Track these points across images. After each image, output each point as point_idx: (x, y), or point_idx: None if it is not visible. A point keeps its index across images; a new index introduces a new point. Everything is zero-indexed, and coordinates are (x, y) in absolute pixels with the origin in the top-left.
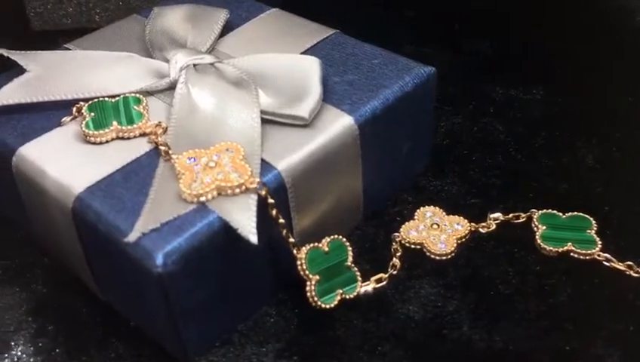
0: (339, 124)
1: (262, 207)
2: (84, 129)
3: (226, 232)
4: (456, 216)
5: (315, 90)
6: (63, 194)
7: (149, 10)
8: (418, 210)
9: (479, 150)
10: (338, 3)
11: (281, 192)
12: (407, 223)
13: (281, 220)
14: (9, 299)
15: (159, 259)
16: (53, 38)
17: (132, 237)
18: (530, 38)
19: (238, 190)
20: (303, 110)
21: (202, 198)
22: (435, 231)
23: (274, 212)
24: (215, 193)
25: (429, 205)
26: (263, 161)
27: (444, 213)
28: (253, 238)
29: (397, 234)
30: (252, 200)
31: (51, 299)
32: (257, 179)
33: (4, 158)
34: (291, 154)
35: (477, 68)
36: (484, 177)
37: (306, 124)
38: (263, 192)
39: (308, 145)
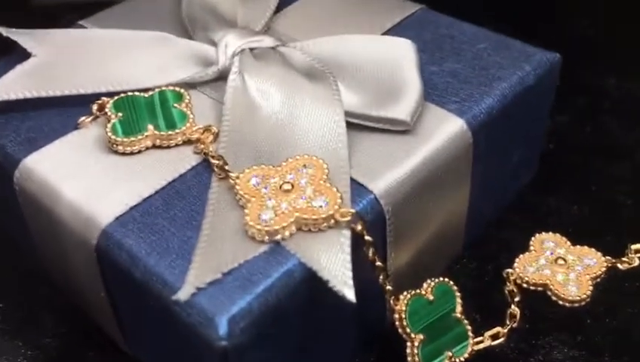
0: (447, 128)
1: (355, 245)
2: (109, 134)
3: (310, 285)
4: (585, 248)
5: (414, 84)
6: (83, 226)
7: None
8: (533, 238)
9: (597, 157)
10: None
11: (377, 224)
12: (522, 256)
13: (379, 263)
14: (10, 358)
15: (223, 327)
16: (58, 15)
17: (184, 294)
18: None
19: (325, 224)
20: (403, 111)
21: (277, 236)
22: (560, 267)
23: (371, 253)
24: (294, 228)
25: (543, 230)
26: (352, 181)
27: (568, 243)
28: (350, 293)
29: (511, 270)
30: (344, 239)
31: (64, 356)
32: (351, 210)
33: (3, 171)
34: (390, 172)
35: (577, 54)
36: (610, 193)
37: (405, 130)
38: (359, 227)
39: (410, 158)
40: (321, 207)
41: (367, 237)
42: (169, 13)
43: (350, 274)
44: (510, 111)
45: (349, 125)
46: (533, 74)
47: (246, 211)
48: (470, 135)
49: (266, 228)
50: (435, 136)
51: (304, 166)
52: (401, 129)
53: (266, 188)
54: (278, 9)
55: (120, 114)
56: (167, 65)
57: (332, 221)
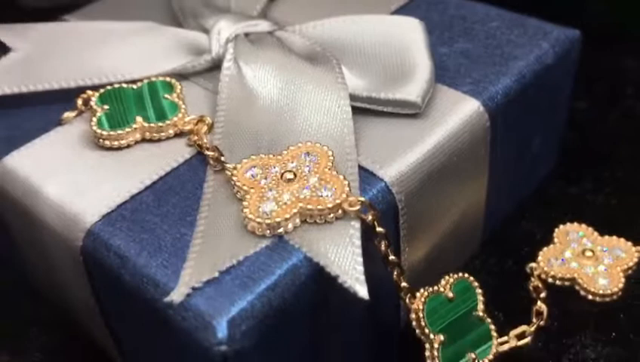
0: (462, 110)
1: (363, 238)
2: (95, 128)
3: (318, 282)
4: (614, 238)
5: (424, 64)
6: (67, 226)
7: None
8: (557, 229)
9: (623, 143)
10: None
11: (389, 215)
12: (545, 249)
13: (392, 257)
14: None
15: (222, 331)
16: (46, 18)
17: (178, 294)
18: None
19: (332, 215)
20: (412, 93)
21: (280, 229)
22: (588, 260)
23: (383, 246)
24: (298, 220)
25: (567, 222)
26: (361, 168)
27: (595, 234)
28: (362, 290)
29: (534, 265)
30: (354, 230)
31: None
32: (360, 198)
33: None
34: (401, 158)
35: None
36: (638, 181)
37: (416, 113)
38: (370, 217)
39: (423, 142)
40: (327, 196)
41: (379, 229)
42: (158, 5)
43: (362, 268)
44: (529, 92)
45: (355, 110)
46: (551, 52)
47: (244, 203)
48: (487, 117)
49: (267, 221)
50: (449, 118)
51: (307, 153)
52: (411, 112)
53: (266, 178)
54: None
55: (106, 106)
56: (157, 55)
57: (339, 211)
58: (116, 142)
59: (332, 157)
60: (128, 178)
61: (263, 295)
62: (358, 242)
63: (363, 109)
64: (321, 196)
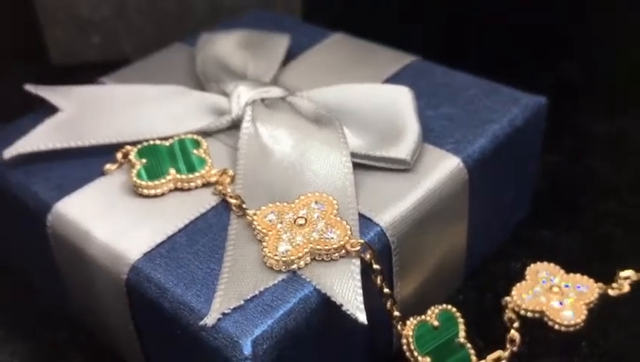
0: (445, 166)
1: (364, 273)
2: (135, 179)
3: (325, 309)
4: (578, 275)
5: (413, 126)
6: (113, 263)
7: (192, 38)
8: (528, 268)
9: (587, 194)
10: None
11: (384, 254)
12: (518, 285)
13: (387, 290)
14: None
15: (247, 349)
16: (76, 73)
17: (211, 319)
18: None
19: (337, 254)
20: (403, 151)
21: (293, 266)
22: (555, 295)
23: (379, 280)
24: (308, 258)
25: (539, 261)
26: (360, 215)
27: (562, 272)
28: (362, 316)
29: (508, 298)
30: (355, 267)
31: None
32: (360, 240)
33: (36, 216)
34: (394, 206)
35: (564, 97)
36: (599, 227)
37: (406, 169)
38: (368, 256)
39: (412, 193)
40: (332, 238)
41: (375, 266)
42: (183, 70)
43: (361, 298)
44: (502, 150)
45: (355, 165)
46: (521, 116)
47: (264, 244)
48: (466, 172)
49: (283, 259)
50: (434, 173)
51: (315, 202)
52: (402, 168)
53: (281, 223)
54: (284, 63)
55: (144, 160)
56: (184, 115)
57: (343, 251)
58: (153, 191)
59: (337, 206)
60: (164, 221)
61: (281, 319)
62: (359, 277)
63: (361, 165)
64: (328, 238)
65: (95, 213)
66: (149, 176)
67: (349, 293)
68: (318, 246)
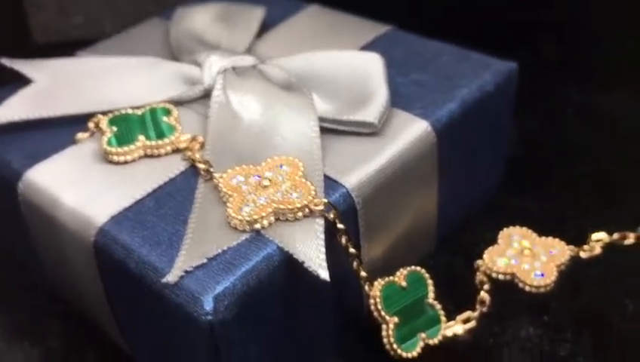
0: (413, 130)
1: (327, 234)
2: (105, 146)
3: (288, 267)
4: (550, 238)
5: (382, 91)
6: (82, 226)
7: (170, 13)
8: (501, 232)
9: (563, 159)
10: None
11: (350, 215)
12: (490, 248)
13: (352, 250)
14: (19, 357)
15: (209, 304)
16: (58, 52)
17: (173, 276)
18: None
19: (300, 213)
20: (370, 115)
21: (257, 225)
22: (526, 257)
23: (344, 240)
24: (272, 218)
25: (512, 226)
26: (326, 177)
27: (534, 235)
28: (324, 273)
29: (480, 262)
30: (319, 226)
31: (68, 355)
32: (324, 200)
33: (8, 184)
34: (361, 168)
35: (545, 68)
36: (575, 191)
37: (374, 132)
38: (331, 215)
39: (379, 156)
40: (296, 198)
41: (340, 226)
42: (158, 43)
43: (324, 256)
44: (471, 115)
45: (324, 130)
46: (491, 81)
47: (228, 205)
48: (434, 135)
49: (247, 219)
50: (402, 136)
51: (281, 165)
52: (369, 131)
53: (246, 185)
54: (259, 35)
55: (114, 128)
56: (157, 85)
57: (307, 210)
58: (122, 158)
59: (302, 168)
60: (133, 186)
61: (243, 277)
62: (322, 235)
63: (330, 129)
64: (292, 198)
65: (65, 180)
66: (119, 143)
67: (311, 251)
68: (282, 206)
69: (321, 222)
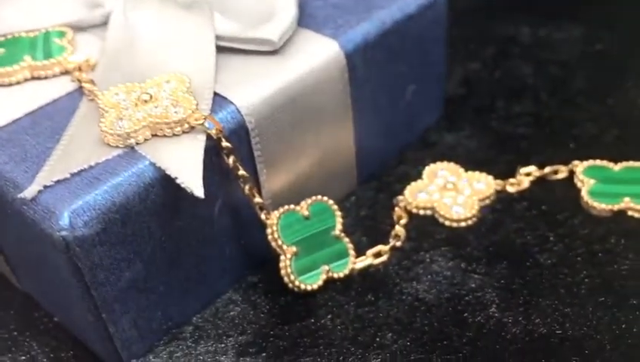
0: (319, 50)
1: (216, 153)
2: None
3: (164, 186)
4: (477, 173)
5: (288, 9)
6: None
7: None
8: (427, 168)
9: (503, 97)
10: None
11: (241, 136)
12: (413, 184)
13: (242, 172)
14: None
15: (63, 219)
16: None
17: (30, 192)
18: None
19: (179, 128)
20: (271, 32)
21: (130, 140)
22: (449, 191)
23: (231, 160)
24: (148, 133)
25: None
26: (216, 94)
27: (461, 170)
28: (198, 191)
29: (400, 197)
30: (198, 142)
31: None
32: (204, 114)
33: None
34: (253, 86)
35: (493, 5)
36: (511, 127)
37: (274, 50)
38: (214, 132)
39: (276, 74)
40: (175, 112)
41: (225, 143)
42: None
43: (200, 173)
44: (391, 38)
45: (227, 49)
46: (414, 3)
47: (102, 120)
48: (343, 57)
49: (118, 133)
50: (306, 56)
51: (167, 81)
52: (268, 49)
53: (126, 100)
54: None
55: (2, 50)
56: (56, 9)
57: (186, 125)
58: (7, 79)
59: (188, 84)
60: (14, 107)
61: (107, 192)
62: (201, 151)
63: (235, 49)
64: (170, 113)
65: None
66: (4, 63)
67: (186, 167)
68: (158, 120)
69: (202, 137)
